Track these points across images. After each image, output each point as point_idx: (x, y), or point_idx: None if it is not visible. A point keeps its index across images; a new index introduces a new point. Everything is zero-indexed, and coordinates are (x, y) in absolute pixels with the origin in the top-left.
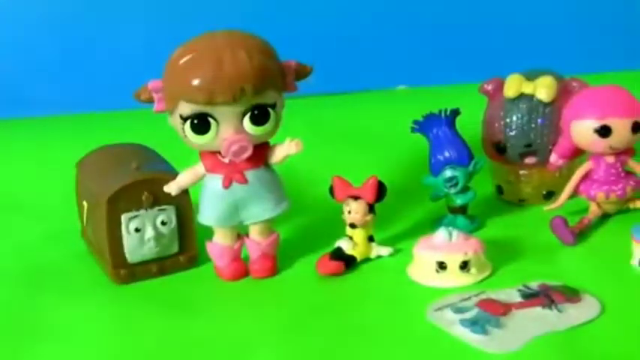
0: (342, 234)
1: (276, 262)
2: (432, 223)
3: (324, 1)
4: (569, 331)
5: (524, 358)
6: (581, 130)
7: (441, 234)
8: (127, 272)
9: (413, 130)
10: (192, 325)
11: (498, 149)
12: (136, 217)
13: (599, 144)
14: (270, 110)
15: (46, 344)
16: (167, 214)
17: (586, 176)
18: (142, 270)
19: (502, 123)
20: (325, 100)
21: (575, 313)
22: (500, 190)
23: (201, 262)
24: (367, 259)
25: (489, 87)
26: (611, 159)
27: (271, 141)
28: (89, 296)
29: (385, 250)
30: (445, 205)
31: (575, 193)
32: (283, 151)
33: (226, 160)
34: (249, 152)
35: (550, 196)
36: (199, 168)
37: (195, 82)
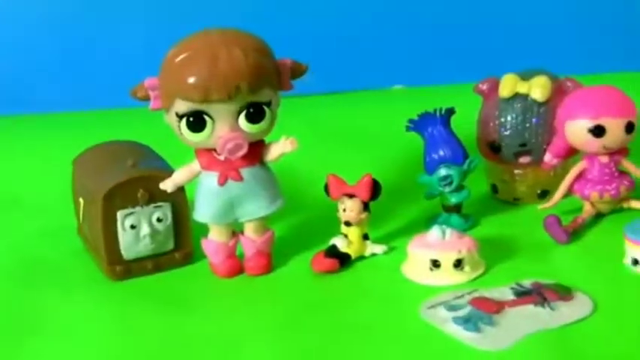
0: (337, 232)
1: (271, 259)
2: (427, 222)
3: (321, 1)
4: (562, 329)
5: (516, 356)
6: (575, 129)
7: (434, 232)
8: (122, 269)
9: (408, 128)
10: (187, 321)
11: (493, 148)
12: (131, 213)
13: (593, 144)
14: (266, 108)
15: (41, 340)
16: (163, 211)
17: (580, 176)
18: (137, 266)
19: (497, 122)
20: (322, 99)
21: (567, 311)
22: (495, 189)
23: (197, 259)
24: (362, 257)
25: (484, 87)
26: (605, 159)
27: (267, 139)
28: (85, 292)
29: (379, 248)
30: (440, 204)
31: (569, 193)
32: (278, 149)
33: (222, 158)
34: (244, 150)
35: (544, 195)
36: (195, 165)
37: (191, 79)
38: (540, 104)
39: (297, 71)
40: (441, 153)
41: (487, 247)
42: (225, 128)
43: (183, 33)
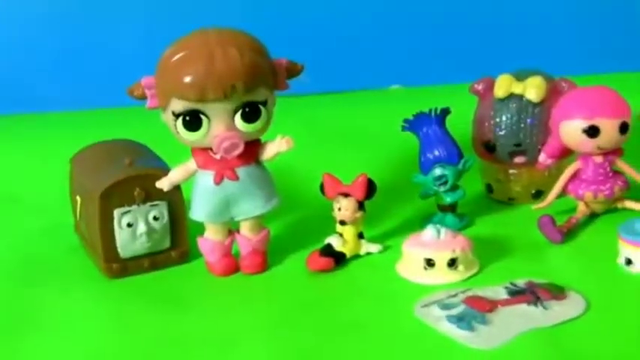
0: (332, 231)
1: (267, 257)
2: (422, 221)
3: (318, 1)
4: (554, 328)
5: (508, 354)
6: (570, 130)
7: (429, 231)
8: (119, 266)
9: (403, 128)
10: (183, 319)
11: (488, 148)
12: (128, 212)
13: (588, 144)
14: (261, 107)
15: (38, 336)
16: (159, 210)
17: (574, 176)
18: (134, 264)
19: (492, 122)
20: (319, 99)
21: (560, 311)
22: (489, 188)
23: (193, 257)
24: (357, 256)
25: (480, 87)
26: (599, 159)
27: (263, 138)
28: (82, 290)
29: (374, 247)
30: (435, 203)
31: (563, 193)
32: (274, 148)
33: (218, 157)
34: (240, 149)
35: (539, 195)
36: (191, 164)
37: (187, 79)
38: (535, 104)
39: (293, 71)
40: (436, 153)
41: (481, 246)
42: (221, 127)
43: (180, 32)
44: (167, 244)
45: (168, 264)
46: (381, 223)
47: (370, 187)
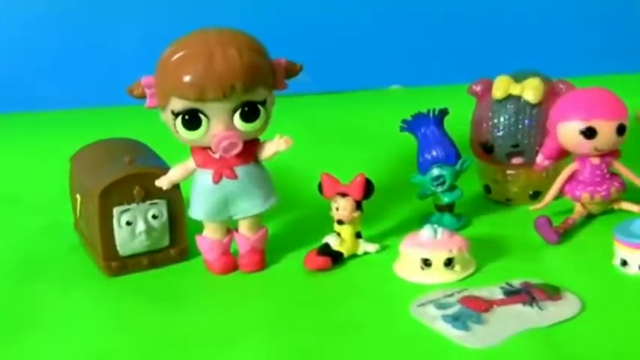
0: (330, 230)
1: (265, 256)
2: (420, 221)
3: (319, 1)
4: (549, 328)
5: (503, 354)
6: (567, 131)
7: (426, 231)
8: (118, 264)
9: (401, 129)
10: (181, 316)
11: (486, 149)
12: (127, 210)
13: (585, 145)
14: (260, 107)
15: (37, 333)
16: (158, 208)
17: (571, 177)
18: (133, 262)
19: (490, 123)
20: (319, 98)
21: (555, 311)
22: (487, 189)
23: (192, 255)
24: (354, 255)
25: (477, 88)
26: (596, 160)
27: (261, 137)
28: (81, 288)
29: (372, 247)
30: (433, 203)
31: (560, 194)
32: (273, 147)
33: (217, 156)
34: (239, 148)
35: (536, 195)
36: (190, 163)
37: (187, 78)
38: (533, 106)
39: (292, 71)
40: (434, 153)
41: (478, 246)
42: (220, 127)
43: (180, 32)
44: (166, 242)
45: (167, 262)
46: (379, 222)
47: (368, 187)
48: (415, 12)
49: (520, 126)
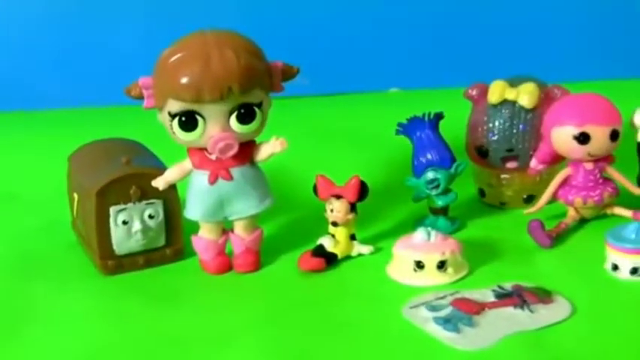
0: (325, 232)
1: (260, 257)
2: (414, 224)
3: (319, 5)
4: (540, 331)
5: (494, 356)
6: (561, 136)
7: (419, 234)
8: (114, 263)
9: (397, 132)
10: (176, 315)
11: (481, 153)
12: (124, 210)
13: (578, 150)
14: (257, 109)
15: (34, 330)
16: (155, 208)
17: (565, 182)
18: (129, 261)
19: (485, 128)
20: (318, 100)
21: (546, 314)
22: (482, 193)
23: (187, 255)
24: (348, 257)
25: (473, 92)
26: (589, 165)
27: (258, 139)
28: (78, 286)
29: (366, 249)
30: (427, 206)
31: (554, 198)
32: (268, 149)
33: (213, 157)
34: (235, 150)
35: (530, 199)
36: (186, 164)
37: (184, 80)
38: (528, 110)
39: (288, 73)
40: (429, 156)
41: (472, 249)
42: (217, 128)
43: (179, 32)
44: (162, 241)
45: (162, 261)
46: (374, 225)
47: (362, 190)
48: (414, 15)
49: (515, 130)
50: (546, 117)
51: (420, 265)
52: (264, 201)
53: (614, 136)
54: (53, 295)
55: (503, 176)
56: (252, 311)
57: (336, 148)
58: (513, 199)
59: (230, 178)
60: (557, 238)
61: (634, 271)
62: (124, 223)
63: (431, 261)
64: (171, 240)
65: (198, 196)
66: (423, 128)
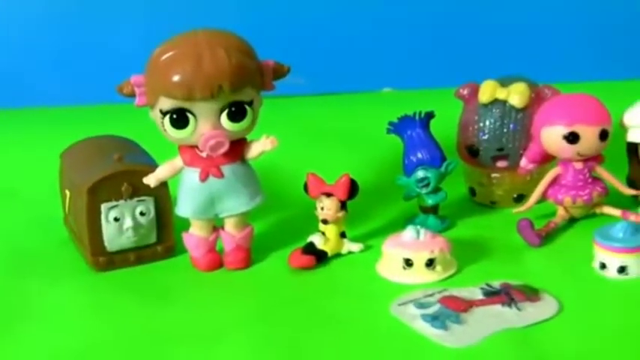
0: (315, 229)
1: (250, 254)
2: (405, 222)
3: (313, 5)
4: (526, 328)
5: (480, 353)
6: (551, 135)
7: (409, 232)
8: (105, 260)
9: (388, 131)
10: (167, 312)
11: (471, 152)
12: (115, 206)
13: (568, 150)
14: (247, 107)
15: (25, 325)
16: (146, 205)
17: (554, 181)
18: (120, 258)
19: (476, 127)
20: (312, 100)
21: (533, 312)
22: (472, 192)
23: (178, 252)
24: (338, 255)
25: (465, 92)
26: (579, 165)
27: (249, 137)
28: (70, 282)
29: (356, 247)
30: (417, 205)
31: (543, 197)
32: (259, 147)
33: (204, 155)
34: (225, 147)
35: (521, 199)
36: (178, 161)
37: (175, 78)
38: (518, 110)
39: (280, 72)
40: (419, 155)
41: (461, 248)
42: (208, 126)
43: (172, 32)
44: (153, 238)
45: (154, 258)
46: (364, 223)
47: (352, 188)
48: (409, 16)
49: (505, 130)
50: (536, 117)
51: (408, 262)
52: (254, 198)
53: (604, 135)
54: (45, 291)
55: (493, 175)
56: (243, 308)
57: (328, 147)
58: (504, 199)
59: (221, 175)
60: (546, 237)
61: (621, 269)
62: (116, 220)
63: (420, 259)
64: (163, 237)
65: (189, 194)
66: (414, 127)
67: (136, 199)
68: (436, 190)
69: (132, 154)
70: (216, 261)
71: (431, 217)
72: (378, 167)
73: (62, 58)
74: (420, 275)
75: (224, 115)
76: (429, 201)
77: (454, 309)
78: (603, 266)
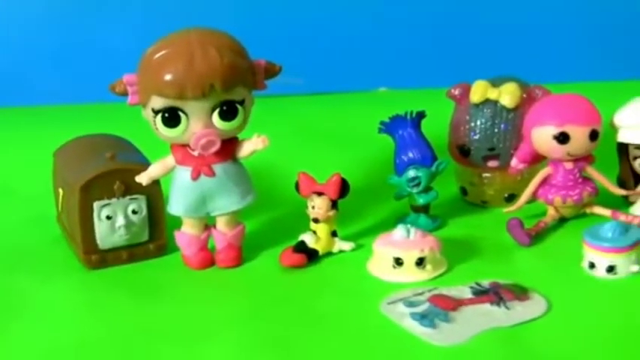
0: (306, 228)
1: (241, 252)
2: (396, 221)
3: (308, 4)
4: (515, 327)
5: (469, 351)
6: (541, 136)
7: (399, 231)
8: (98, 258)
9: (380, 130)
10: (159, 309)
11: (463, 152)
12: (107, 205)
13: (558, 150)
14: (239, 106)
15: (18, 323)
16: (138, 204)
17: (545, 181)
18: (112, 256)
19: (467, 127)
20: (308, 99)
21: (522, 311)
22: (464, 191)
23: (170, 250)
24: (329, 253)
25: (456, 92)
26: (569, 165)
27: (241, 136)
28: (62, 279)
29: (347, 245)
30: (409, 204)
31: (534, 197)
32: (250, 146)
33: (195, 154)
34: (217, 146)
35: (511, 198)
36: (169, 160)
37: (167, 77)
38: (509, 110)
39: (271, 71)
40: (410, 155)
41: (452, 247)
42: (199, 125)
43: (166, 31)
44: (145, 237)
45: (146, 256)
46: (356, 222)
47: (343, 187)
48: (404, 16)
49: (496, 130)
50: (527, 117)
51: (399, 261)
52: (246, 197)
53: (594, 136)
54: (37, 289)
55: (484, 175)
56: (234, 306)
57: (321, 146)
58: (495, 198)
59: (212, 174)
60: (536, 236)
61: (610, 269)
62: (108, 218)
63: (410, 258)
64: (155, 235)
65: (181, 192)
66: (405, 127)
67: (128, 197)
68: (427, 189)
69: (124, 152)
70: (207, 259)
71: (422, 217)
72: (369, 166)
73: (55, 57)
74: (410, 274)
75: (215, 114)
76: (420, 200)
77: (443, 307)
78: (592, 266)
